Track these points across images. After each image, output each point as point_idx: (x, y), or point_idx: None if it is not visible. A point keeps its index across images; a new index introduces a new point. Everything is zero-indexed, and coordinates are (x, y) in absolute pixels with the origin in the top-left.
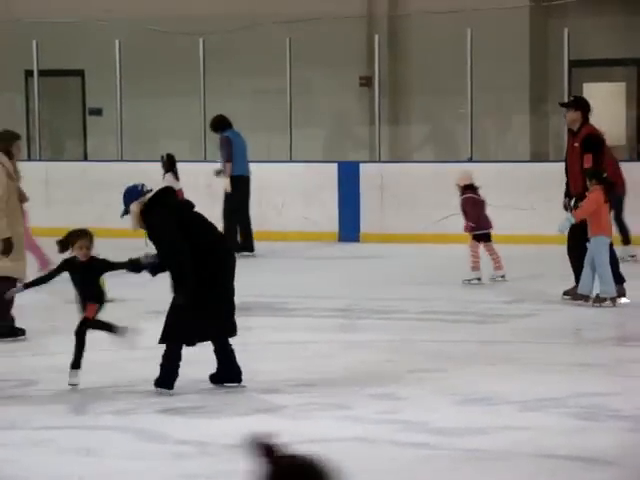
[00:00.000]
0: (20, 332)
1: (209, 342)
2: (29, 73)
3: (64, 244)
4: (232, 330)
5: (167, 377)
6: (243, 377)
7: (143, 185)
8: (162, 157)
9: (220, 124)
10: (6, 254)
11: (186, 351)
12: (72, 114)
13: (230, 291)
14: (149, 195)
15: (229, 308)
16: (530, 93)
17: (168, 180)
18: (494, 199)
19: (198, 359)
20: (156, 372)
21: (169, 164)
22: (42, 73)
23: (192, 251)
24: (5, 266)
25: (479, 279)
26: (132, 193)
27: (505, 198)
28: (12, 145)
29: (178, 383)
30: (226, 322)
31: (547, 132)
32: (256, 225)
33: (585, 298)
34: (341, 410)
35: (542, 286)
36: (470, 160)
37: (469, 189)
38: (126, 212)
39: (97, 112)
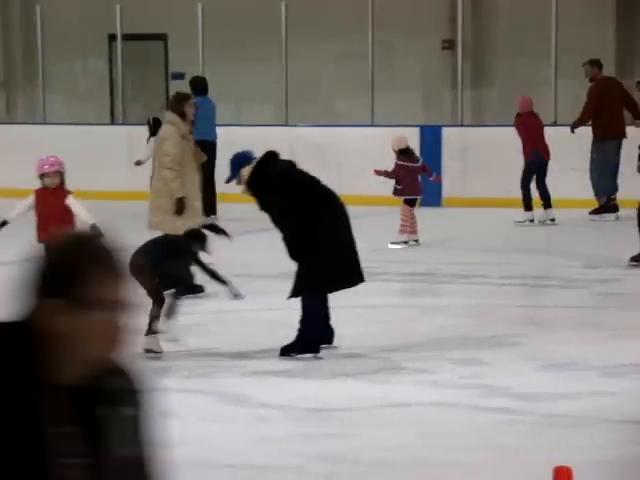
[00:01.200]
0: (199, 289)
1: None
2: (112, 37)
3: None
4: (361, 276)
5: (310, 340)
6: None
7: (251, 152)
8: (148, 120)
9: (195, 87)
10: (179, 213)
11: (270, 315)
12: (155, 79)
13: (351, 240)
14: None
15: (353, 256)
16: (616, 56)
17: (153, 144)
18: (579, 163)
19: (281, 323)
20: (237, 334)
21: (155, 128)
22: (125, 37)
23: (306, 207)
24: (178, 225)
25: (406, 242)
26: (241, 159)
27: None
28: (185, 105)
29: (261, 346)
30: (353, 270)
31: (632, 97)
32: (337, 190)
33: None
34: (422, 374)
35: (628, 251)
36: (555, 124)
37: (404, 154)
38: (231, 178)
39: (180, 77)
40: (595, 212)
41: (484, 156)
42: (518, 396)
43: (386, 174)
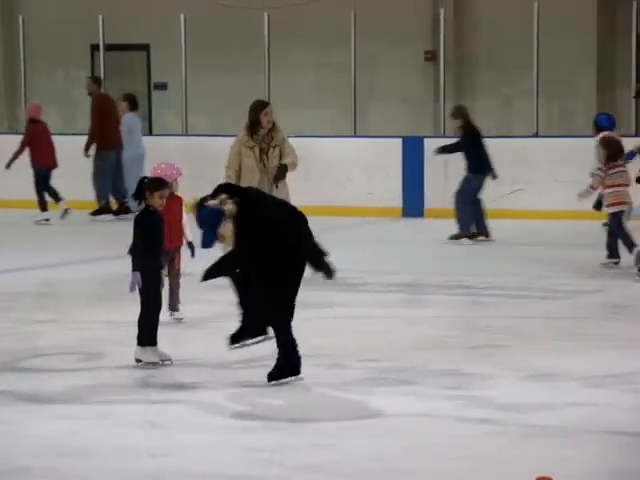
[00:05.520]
0: None
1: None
2: (95, 47)
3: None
4: None
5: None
6: (307, 352)
7: None
8: None
9: None
10: None
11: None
12: (137, 88)
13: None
14: None
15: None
16: (597, 68)
17: None
18: (560, 175)
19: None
20: (218, 345)
21: None
22: (108, 47)
23: None
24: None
25: None
26: None
27: (572, 174)
28: (260, 114)
29: (242, 357)
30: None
31: (614, 107)
32: (320, 200)
33: None
34: (405, 386)
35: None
36: (536, 135)
37: None
38: None
39: (162, 86)
40: (95, 213)
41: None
42: (501, 407)
43: None
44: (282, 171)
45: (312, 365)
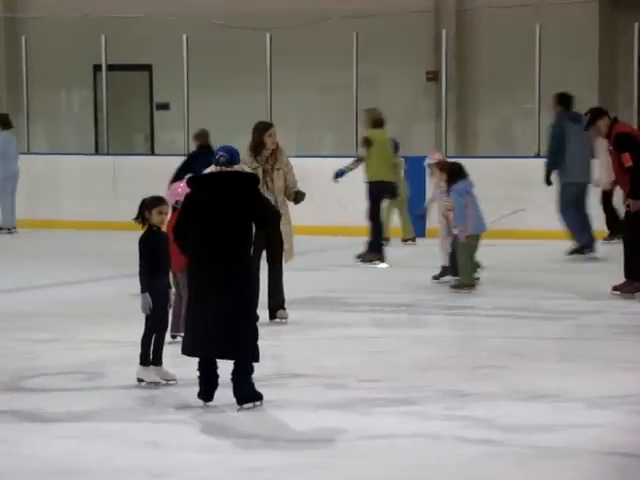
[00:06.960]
0: None
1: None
2: (97, 68)
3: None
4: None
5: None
6: (309, 372)
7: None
8: None
9: None
10: None
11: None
12: (139, 109)
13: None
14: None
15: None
16: (599, 88)
17: None
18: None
19: (263, 354)
20: (218, 364)
21: None
22: (110, 68)
23: None
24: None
25: None
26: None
27: None
28: (264, 135)
29: None
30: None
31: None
32: (322, 220)
33: None
34: (406, 406)
35: (611, 283)
36: (537, 156)
37: None
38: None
39: (164, 107)
40: None
41: None
42: (503, 428)
43: None
44: (302, 197)
45: (313, 385)
